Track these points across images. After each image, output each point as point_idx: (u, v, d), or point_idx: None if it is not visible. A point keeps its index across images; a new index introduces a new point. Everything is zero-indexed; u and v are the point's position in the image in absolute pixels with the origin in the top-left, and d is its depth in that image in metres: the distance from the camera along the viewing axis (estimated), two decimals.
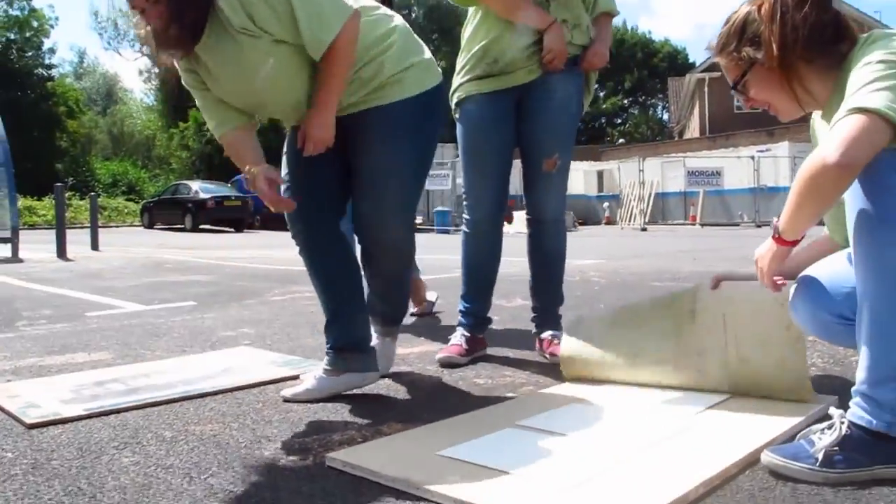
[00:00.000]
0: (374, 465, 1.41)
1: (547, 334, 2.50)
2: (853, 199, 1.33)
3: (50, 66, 34.27)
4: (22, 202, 20.09)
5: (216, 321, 3.53)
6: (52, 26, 32.38)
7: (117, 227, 18.42)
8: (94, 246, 10.41)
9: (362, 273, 2.12)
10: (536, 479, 1.33)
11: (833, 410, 1.38)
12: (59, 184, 10.05)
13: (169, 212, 20.46)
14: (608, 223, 20.88)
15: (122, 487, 1.39)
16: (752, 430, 1.57)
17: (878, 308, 1.31)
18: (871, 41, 1.42)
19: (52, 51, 36.10)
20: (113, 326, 3.46)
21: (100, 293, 4.88)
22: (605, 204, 21.74)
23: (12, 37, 31.48)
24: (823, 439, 1.34)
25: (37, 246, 10.39)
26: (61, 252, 8.74)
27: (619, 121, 47.52)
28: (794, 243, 1.51)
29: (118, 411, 1.91)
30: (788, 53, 1.47)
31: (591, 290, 4.63)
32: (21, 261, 8.13)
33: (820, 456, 1.33)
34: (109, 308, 4.18)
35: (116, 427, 1.79)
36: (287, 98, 1.91)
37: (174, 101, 30.42)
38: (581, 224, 20.36)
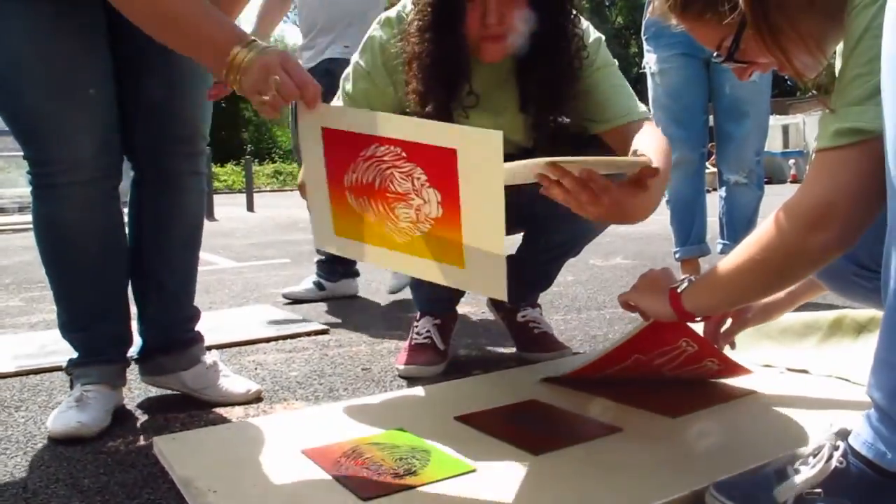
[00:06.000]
0: (173, 457, 1.09)
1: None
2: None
3: None
4: None
5: (284, 278, 3.34)
6: None
7: (292, 190, 19.37)
8: (250, 207, 10.92)
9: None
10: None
11: (830, 428, 0.86)
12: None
13: None
14: (794, 181, 18.82)
15: None
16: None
17: None
18: None
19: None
20: None
21: (209, 251, 4.90)
22: (791, 161, 19.59)
23: None
24: (800, 473, 0.83)
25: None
26: (209, 213, 9.18)
27: None
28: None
29: (47, 370, 1.74)
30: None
31: None
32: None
33: (789, 500, 0.82)
34: (203, 265, 4.17)
35: (27, 386, 1.62)
36: None
37: None
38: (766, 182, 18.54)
